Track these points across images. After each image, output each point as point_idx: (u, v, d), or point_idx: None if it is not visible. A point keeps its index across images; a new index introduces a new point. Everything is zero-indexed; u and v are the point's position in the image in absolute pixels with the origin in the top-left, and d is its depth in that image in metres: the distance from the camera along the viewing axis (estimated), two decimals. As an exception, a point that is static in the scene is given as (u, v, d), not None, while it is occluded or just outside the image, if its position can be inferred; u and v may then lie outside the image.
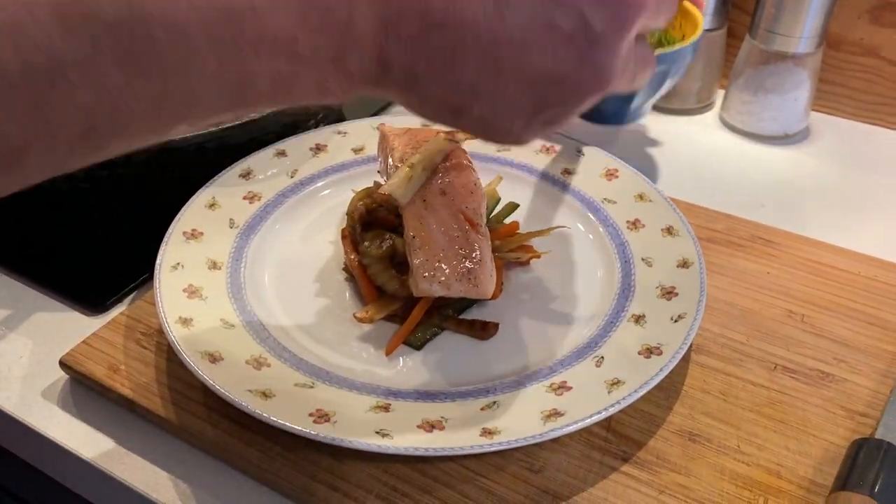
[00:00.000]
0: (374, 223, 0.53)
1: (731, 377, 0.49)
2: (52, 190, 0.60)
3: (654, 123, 0.79)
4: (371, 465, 0.44)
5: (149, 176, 0.60)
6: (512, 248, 0.54)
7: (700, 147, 0.76)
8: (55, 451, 0.48)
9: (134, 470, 0.45)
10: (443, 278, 0.46)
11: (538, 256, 0.54)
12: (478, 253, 0.47)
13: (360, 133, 0.66)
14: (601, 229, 0.58)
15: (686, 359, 0.50)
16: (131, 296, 0.57)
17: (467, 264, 0.47)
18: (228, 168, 0.61)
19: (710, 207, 0.64)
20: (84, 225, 0.62)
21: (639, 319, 0.50)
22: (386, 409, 0.44)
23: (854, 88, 0.78)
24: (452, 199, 0.48)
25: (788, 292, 0.56)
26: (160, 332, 0.51)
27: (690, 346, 0.48)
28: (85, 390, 0.50)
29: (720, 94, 0.81)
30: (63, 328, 0.54)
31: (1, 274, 0.59)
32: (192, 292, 0.51)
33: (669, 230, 0.56)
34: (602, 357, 0.47)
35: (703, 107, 0.81)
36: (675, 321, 0.49)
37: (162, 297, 0.49)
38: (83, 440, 0.47)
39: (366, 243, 0.51)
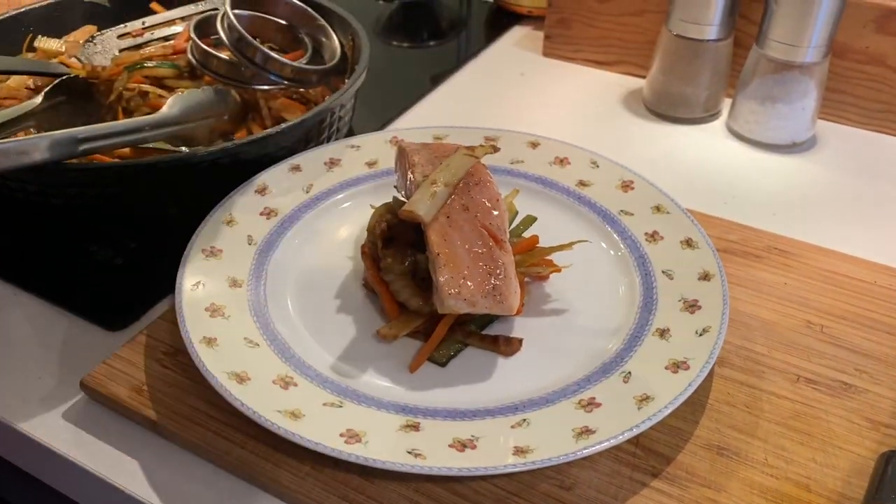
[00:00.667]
0: (394, 239, 0.53)
1: (755, 389, 0.50)
2: (65, 207, 0.60)
3: (660, 132, 0.79)
4: (402, 484, 0.43)
5: (163, 192, 0.60)
6: (533, 263, 0.54)
7: (708, 156, 0.76)
8: (79, 474, 0.47)
9: (161, 492, 0.45)
10: (468, 295, 0.46)
11: (559, 271, 0.54)
12: (502, 269, 0.47)
13: (373, 147, 0.66)
14: (620, 242, 0.58)
15: (710, 372, 0.50)
16: (147, 314, 0.56)
17: (492, 281, 0.47)
18: (244, 184, 0.60)
19: (722, 217, 0.64)
20: (98, 243, 0.62)
21: (663, 334, 0.50)
22: (416, 427, 0.44)
23: (859, 96, 0.78)
24: (475, 214, 0.48)
25: (807, 303, 0.56)
26: (182, 351, 0.51)
27: (715, 359, 0.48)
28: (106, 411, 0.49)
29: (727, 103, 0.81)
30: (80, 348, 0.54)
31: (16, 293, 0.58)
32: (215, 311, 0.50)
33: (689, 242, 0.56)
34: (629, 372, 0.47)
35: (710, 116, 0.81)
36: (700, 335, 0.49)
37: (185, 317, 0.49)
38: (108, 463, 0.47)
39: (388, 260, 0.51)
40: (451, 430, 0.44)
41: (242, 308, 0.51)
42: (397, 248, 0.52)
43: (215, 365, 0.46)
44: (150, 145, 0.64)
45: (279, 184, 0.61)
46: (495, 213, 0.49)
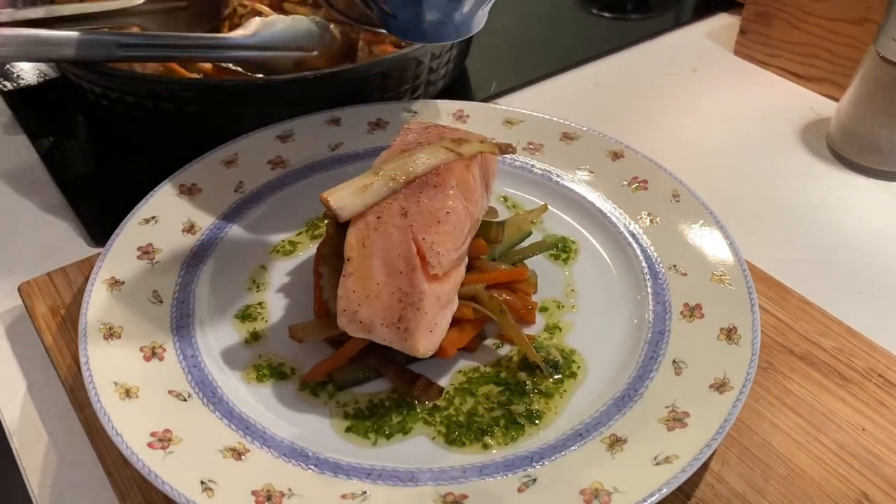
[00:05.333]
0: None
1: (722, 563, 0.35)
2: (140, 117, 0.59)
3: (831, 180, 0.60)
4: None
5: (214, 114, 0.57)
6: (504, 300, 0.42)
7: (877, 226, 0.56)
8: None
9: (21, 430, 0.42)
10: (365, 318, 0.37)
11: (530, 322, 0.43)
12: (419, 298, 0.37)
13: (433, 116, 0.57)
14: (651, 306, 0.44)
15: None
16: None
17: (401, 310, 0.37)
18: (270, 126, 0.55)
19: (835, 312, 0.46)
20: (140, 153, 0.60)
21: (613, 445, 0.37)
22: (239, 456, 0.36)
23: None
24: (412, 224, 0.38)
25: (878, 468, 0.39)
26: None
27: None
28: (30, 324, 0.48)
29: (940, 161, 0.60)
30: (61, 251, 0.53)
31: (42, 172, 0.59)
32: (146, 252, 0.46)
33: (729, 333, 0.41)
34: (534, 480, 0.35)
35: (909, 173, 0.60)
36: (657, 464, 0.35)
37: (110, 253, 0.45)
38: (4, 377, 0.45)
39: (325, 250, 0.43)
40: (270, 475, 0.36)
41: (179, 257, 0.46)
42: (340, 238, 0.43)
43: (99, 309, 0.42)
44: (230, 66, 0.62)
45: (307, 133, 0.55)
46: (439, 227, 0.38)
